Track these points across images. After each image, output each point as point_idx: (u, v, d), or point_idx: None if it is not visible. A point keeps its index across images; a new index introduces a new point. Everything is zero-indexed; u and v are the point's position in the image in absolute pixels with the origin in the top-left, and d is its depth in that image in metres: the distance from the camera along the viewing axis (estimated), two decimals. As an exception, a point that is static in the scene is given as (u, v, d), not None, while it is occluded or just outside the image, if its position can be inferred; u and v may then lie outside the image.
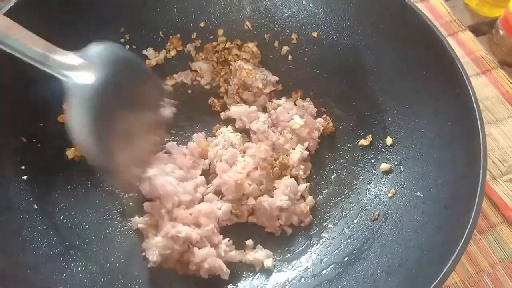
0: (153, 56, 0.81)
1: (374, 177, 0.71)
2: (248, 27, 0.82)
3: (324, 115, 0.77)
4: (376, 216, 0.66)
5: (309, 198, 0.71)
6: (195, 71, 0.82)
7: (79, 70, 0.54)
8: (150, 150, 0.68)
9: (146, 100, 0.65)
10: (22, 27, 0.51)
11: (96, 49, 0.57)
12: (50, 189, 0.67)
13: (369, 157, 0.73)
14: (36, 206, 0.64)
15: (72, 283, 0.59)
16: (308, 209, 0.69)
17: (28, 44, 0.51)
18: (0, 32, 0.49)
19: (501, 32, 0.87)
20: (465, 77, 0.60)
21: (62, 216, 0.66)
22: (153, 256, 0.62)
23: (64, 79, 0.53)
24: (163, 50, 0.81)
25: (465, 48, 0.89)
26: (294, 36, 0.80)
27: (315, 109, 0.78)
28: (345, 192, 0.71)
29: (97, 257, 0.64)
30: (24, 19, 0.64)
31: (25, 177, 0.65)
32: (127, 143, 0.61)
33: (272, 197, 0.69)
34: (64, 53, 0.53)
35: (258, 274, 0.65)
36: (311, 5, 0.78)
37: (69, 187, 0.69)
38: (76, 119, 0.54)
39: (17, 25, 0.51)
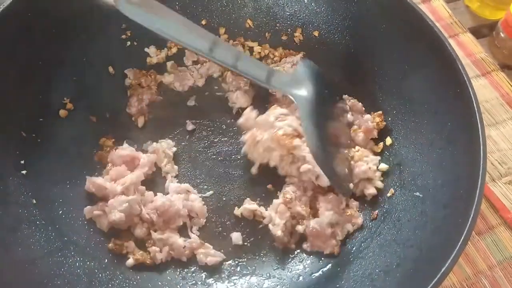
0: (154, 54, 0.81)
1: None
2: (250, 25, 0.82)
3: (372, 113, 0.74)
4: (375, 216, 0.66)
5: (352, 202, 0.69)
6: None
7: (293, 87, 0.69)
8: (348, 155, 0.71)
9: (336, 110, 0.73)
10: (246, 55, 0.72)
11: (302, 68, 0.72)
12: (49, 184, 0.67)
13: (369, 156, 0.73)
14: (34, 201, 0.64)
15: (70, 278, 0.59)
16: (355, 209, 0.68)
17: (254, 70, 0.70)
18: (233, 61, 0.69)
19: (502, 35, 0.87)
20: (466, 78, 0.60)
21: (60, 211, 0.65)
22: (115, 215, 0.63)
23: (286, 94, 0.69)
24: (165, 48, 0.81)
25: (466, 50, 0.89)
26: (295, 35, 0.81)
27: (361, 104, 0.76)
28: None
29: (95, 253, 0.63)
30: (24, 14, 0.66)
31: (24, 172, 0.65)
32: (335, 150, 0.69)
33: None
34: (280, 73, 0.72)
35: (256, 272, 0.65)
36: (312, 4, 0.78)
37: (68, 182, 0.68)
38: (307, 127, 0.65)
39: (242, 53, 0.74)
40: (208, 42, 0.68)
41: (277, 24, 0.81)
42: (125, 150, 0.71)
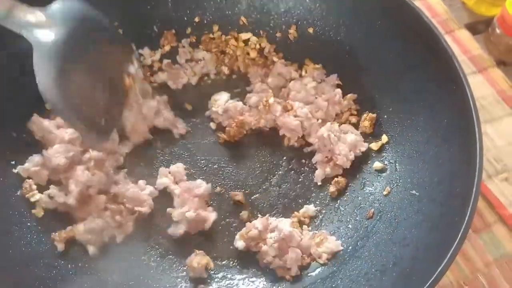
0: (148, 56, 0.80)
1: (369, 174, 0.70)
2: (244, 22, 0.81)
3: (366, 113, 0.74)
4: (371, 214, 0.66)
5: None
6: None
7: (40, 27, 0.55)
8: (118, 105, 0.67)
9: (111, 56, 0.66)
10: None
11: (58, 5, 0.58)
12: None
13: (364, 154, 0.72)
14: (25, 202, 0.63)
15: (62, 279, 0.59)
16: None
17: None
18: None
19: (497, 31, 0.86)
20: (462, 75, 0.59)
21: (51, 214, 0.64)
22: (60, 160, 0.63)
23: (26, 36, 0.55)
24: (159, 49, 0.80)
25: (462, 46, 0.89)
26: (289, 32, 0.80)
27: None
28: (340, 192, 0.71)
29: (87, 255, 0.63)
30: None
31: (15, 170, 0.64)
32: (93, 97, 0.62)
33: None
34: (28, 10, 0.55)
35: (251, 272, 0.64)
36: (307, 0, 0.77)
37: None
38: (41, 76, 0.55)
39: None
40: None
41: (271, 21, 0.80)
42: None
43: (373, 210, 0.66)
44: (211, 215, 0.66)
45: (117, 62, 0.68)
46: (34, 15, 0.55)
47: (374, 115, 0.72)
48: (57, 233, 0.62)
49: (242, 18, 0.80)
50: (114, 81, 0.67)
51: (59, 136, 0.66)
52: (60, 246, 0.62)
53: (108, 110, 0.65)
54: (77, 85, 0.60)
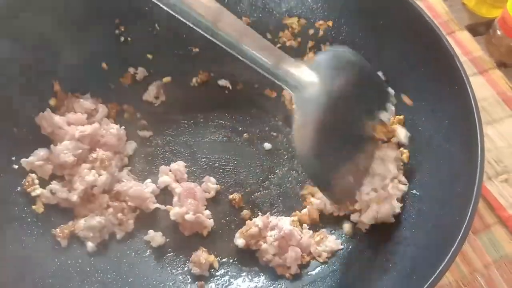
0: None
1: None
2: (246, 22, 0.80)
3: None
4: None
5: None
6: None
7: (307, 86, 0.54)
8: (367, 165, 0.62)
9: (367, 104, 0.62)
10: (255, 32, 0.51)
11: (324, 57, 0.57)
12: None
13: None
14: (25, 198, 0.63)
15: (62, 275, 0.58)
16: None
17: (259, 51, 0.51)
18: (236, 38, 0.50)
19: (498, 32, 0.86)
20: (463, 75, 0.59)
21: (52, 209, 0.64)
22: (69, 157, 0.63)
23: (292, 92, 0.54)
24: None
25: (463, 47, 0.89)
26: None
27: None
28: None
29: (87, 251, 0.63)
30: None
31: (15, 166, 0.64)
32: (347, 158, 0.59)
33: None
34: (295, 64, 0.54)
35: (250, 270, 0.64)
36: (309, 0, 0.77)
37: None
38: (300, 134, 0.54)
39: (250, 29, 0.51)
40: (213, 12, 0.51)
41: (273, 21, 0.80)
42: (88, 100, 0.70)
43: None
44: (209, 222, 0.66)
45: (372, 105, 0.63)
46: (301, 71, 0.54)
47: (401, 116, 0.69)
48: (58, 229, 0.62)
49: (244, 18, 0.80)
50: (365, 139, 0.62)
51: (70, 132, 0.65)
52: (64, 242, 0.62)
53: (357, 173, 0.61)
54: (335, 144, 0.57)
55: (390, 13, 0.70)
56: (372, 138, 0.63)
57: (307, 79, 0.54)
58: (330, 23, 0.76)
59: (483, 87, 0.84)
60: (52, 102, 0.70)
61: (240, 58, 0.52)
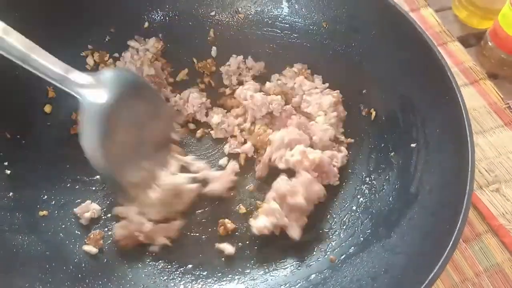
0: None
1: (360, 182, 0.71)
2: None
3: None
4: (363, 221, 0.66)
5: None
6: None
7: (92, 89, 0.59)
8: (158, 168, 0.69)
9: (156, 123, 0.68)
10: (41, 48, 0.56)
11: (109, 73, 0.62)
12: (32, 186, 0.65)
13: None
14: (17, 204, 0.63)
15: (53, 282, 0.58)
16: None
17: (48, 65, 0.57)
18: (23, 53, 0.55)
19: (489, 44, 0.88)
20: (455, 85, 0.60)
21: (43, 214, 0.64)
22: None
23: (79, 97, 0.58)
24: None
25: (454, 58, 0.90)
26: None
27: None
28: (333, 198, 0.71)
29: (78, 258, 0.62)
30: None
31: (8, 172, 0.64)
32: (135, 161, 0.65)
33: None
34: (79, 73, 0.59)
35: (240, 276, 0.64)
36: (303, 9, 0.78)
37: (52, 184, 0.67)
38: (87, 135, 0.58)
39: (37, 46, 0.56)
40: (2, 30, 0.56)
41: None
42: None
43: (366, 216, 0.66)
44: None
45: (161, 127, 0.70)
46: (86, 79, 0.59)
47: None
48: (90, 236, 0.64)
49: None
50: (158, 145, 0.69)
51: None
52: (94, 250, 0.63)
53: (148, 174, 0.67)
54: (122, 146, 0.62)
55: (383, 24, 0.71)
56: (164, 145, 0.71)
57: (94, 87, 0.59)
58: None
59: (473, 97, 0.85)
60: (47, 109, 0.70)
61: (31, 70, 0.56)
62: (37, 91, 0.70)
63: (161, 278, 0.63)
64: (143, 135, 0.65)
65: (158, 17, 0.81)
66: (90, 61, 0.77)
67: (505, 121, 0.82)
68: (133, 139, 0.64)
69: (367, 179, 0.70)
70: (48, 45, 0.57)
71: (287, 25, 0.80)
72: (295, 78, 0.78)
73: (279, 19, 0.80)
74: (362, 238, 0.64)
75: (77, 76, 0.58)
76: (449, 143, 0.60)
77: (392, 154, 0.69)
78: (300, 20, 0.79)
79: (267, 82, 0.78)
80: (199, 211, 0.69)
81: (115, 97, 0.59)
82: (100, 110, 0.58)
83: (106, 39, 0.79)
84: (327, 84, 0.77)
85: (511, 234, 0.71)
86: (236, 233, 0.68)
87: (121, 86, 0.61)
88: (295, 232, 0.63)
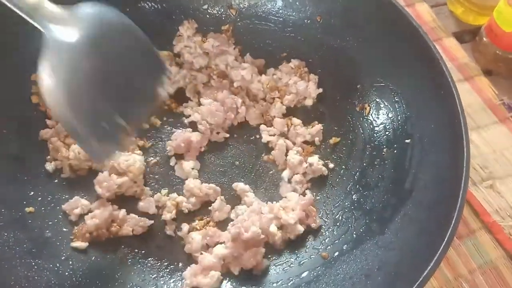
0: None
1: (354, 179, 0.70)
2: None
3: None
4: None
5: None
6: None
7: (62, 25, 0.50)
8: (133, 127, 0.60)
9: (140, 74, 0.59)
10: None
11: (88, 8, 0.53)
12: (13, 182, 0.64)
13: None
14: (2, 199, 0.61)
15: (39, 281, 0.57)
16: None
17: None
18: None
19: (485, 40, 0.87)
20: (450, 81, 0.60)
21: (28, 210, 0.63)
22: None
23: (45, 32, 0.50)
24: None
25: (449, 54, 0.90)
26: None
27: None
28: (328, 195, 0.70)
29: (66, 254, 0.61)
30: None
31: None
32: (107, 116, 0.55)
33: None
34: (52, 6, 0.50)
35: (232, 278, 0.63)
36: (297, 3, 0.77)
37: (33, 179, 0.66)
38: (48, 77, 0.49)
39: None
40: None
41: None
42: None
43: (359, 213, 0.66)
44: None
45: (145, 76, 0.61)
46: (59, 13, 0.51)
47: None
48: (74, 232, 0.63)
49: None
50: (139, 92, 0.60)
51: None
52: (83, 245, 0.62)
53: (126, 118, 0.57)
54: (88, 95, 0.53)
55: (379, 19, 0.70)
56: (147, 100, 0.62)
57: (65, 23, 0.51)
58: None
59: (468, 93, 0.84)
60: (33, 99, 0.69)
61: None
62: (22, 82, 0.68)
63: (150, 276, 0.62)
64: (120, 86, 0.56)
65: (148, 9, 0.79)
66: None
67: (500, 117, 0.82)
68: (106, 89, 0.55)
69: (361, 175, 0.69)
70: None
71: (281, 19, 0.79)
72: (291, 76, 0.77)
73: (273, 12, 0.80)
74: (355, 235, 0.63)
75: (48, 7, 0.50)
76: (444, 139, 0.59)
77: (386, 150, 0.68)
78: (294, 13, 0.78)
79: (263, 75, 0.78)
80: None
81: (86, 38, 0.51)
82: (66, 50, 0.50)
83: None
84: (320, 90, 0.77)
85: (505, 231, 0.71)
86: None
87: (98, 26, 0.53)
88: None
